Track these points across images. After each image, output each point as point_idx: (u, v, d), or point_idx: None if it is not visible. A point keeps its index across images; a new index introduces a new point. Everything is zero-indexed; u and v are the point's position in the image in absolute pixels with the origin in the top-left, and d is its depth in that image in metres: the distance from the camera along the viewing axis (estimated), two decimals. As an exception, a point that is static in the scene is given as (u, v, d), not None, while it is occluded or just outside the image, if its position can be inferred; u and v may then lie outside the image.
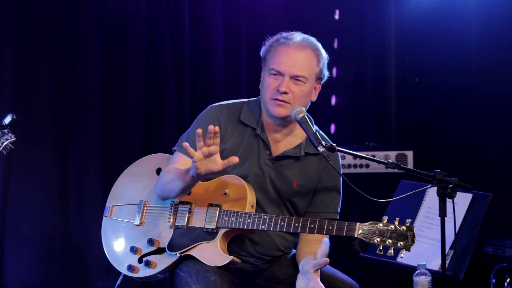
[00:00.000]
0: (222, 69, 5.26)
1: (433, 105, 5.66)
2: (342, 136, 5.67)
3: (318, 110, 5.54)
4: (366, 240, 3.03)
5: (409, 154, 5.11)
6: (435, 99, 5.65)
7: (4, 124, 3.20)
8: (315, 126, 3.22)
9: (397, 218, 3.02)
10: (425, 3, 5.59)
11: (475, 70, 5.49)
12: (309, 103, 3.36)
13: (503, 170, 5.31)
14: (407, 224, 3.01)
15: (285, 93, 3.21)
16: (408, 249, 2.99)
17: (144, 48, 4.98)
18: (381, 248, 3.01)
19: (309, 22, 5.51)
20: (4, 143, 3.22)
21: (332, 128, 5.72)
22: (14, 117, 3.18)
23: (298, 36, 3.30)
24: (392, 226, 3.01)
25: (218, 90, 5.20)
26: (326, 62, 3.32)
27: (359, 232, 3.04)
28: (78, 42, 4.77)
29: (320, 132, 3.22)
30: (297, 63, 3.23)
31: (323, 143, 3.10)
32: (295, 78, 3.23)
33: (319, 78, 3.32)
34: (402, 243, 2.99)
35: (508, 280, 4.63)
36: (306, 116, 3.17)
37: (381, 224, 3.03)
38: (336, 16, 5.76)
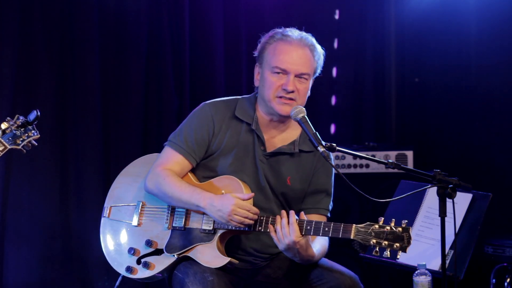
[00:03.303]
0: (222, 69, 5.26)
1: (433, 105, 5.66)
2: (342, 136, 5.67)
3: (318, 110, 5.55)
4: (362, 242, 3.01)
5: (409, 154, 5.11)
6: (435, 99, 5.64)
7: (29, 120, 3.16)
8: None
9: (393, 219, 3.01)
10: (425, 3, 5.59)
11: (475, 70, 5.49)
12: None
13: (503, 170, 5.31)
14: (403, 225, 2.99)
15: (292, 91, 3.22)
16: (404, 251, 2.98)
17: (144, 48, 4.99)
18: (377, 249, 3.00)
19: (309, 22, 5.51)
20: (26, 140, 3.17)
21: (332, 128, 5.72)
22: (39, 113, 3.14)
23: (295, 33, 3.30)
24: (388, 228, 2.99)
25: (218, 90, 5.20)
26: (322, 57, 3.33)
27: (355, 234, 3.03)
28: (78, 42, 4.77)
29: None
30: (300, 61, 3.25)
31: (323, 143, 3.10)
32: (299, 76, 3.24)
33: (315, 73, 3.34)
34: (398, 244, 2.98)
35: (508, 280, 4.63)
36: (306, 116, 3.17)
37: (377, 226, 3.01)
38: (336, 16, 5.76)
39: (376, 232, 3.00)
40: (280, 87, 3.23)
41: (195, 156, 3.34)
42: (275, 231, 3.11)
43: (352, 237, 3.03)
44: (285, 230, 3.08)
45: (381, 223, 3.01)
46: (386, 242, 2.99)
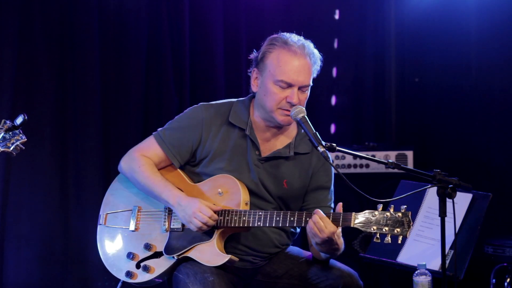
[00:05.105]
0: (222, 69, 5.26)
1: (433, 105, 5.66)
2: (342, 136, 5.67)
3: (318, 110, 5.55)
4: (363, 229, 3.02)
5: (409, 154, 5.11)
6: (435, 99, 5.65)
7: (16, 124, 3.19)
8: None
9: (392, 205, 3.02)
10: (425, 3, 5.59)
11: (475, 70, 5.49)
12: None
13: (503, 170, 5.31)
14: (403, 211, 3.00)
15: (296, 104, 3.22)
16: (405, 235, 2.98)
17: (144, 48, 4.98)
18: (378, 236, 3.00)
19: (309, 22, 5.51)
20: (15, 144, 3.22)
21: (332, 128, 5.72)
22: (26, 117, 3.17)
23: (295, 38, 3.28)
24: (388, 214, 3.01)
25: (218, 90, 5.21)
26: (319, 61, 3.32)
27: (355, 222, 3.03)
28: (78, 42, 4.77)
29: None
30: (304, 73, 3.23)
31: (323, 143, 3.10)
32: (302, 87, 3.24)
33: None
34: (398, 229, 2.98)
35: (508, 280, 4.63)
36: (306, 116, 3.17)
37: (376, 212, 3.02)
38: (336, 16, 5.76)
39: (376, 219, 3.01)
40: (284, 99, 3.22)
41: (177, 156, 3.35)
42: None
43: (352, 225, 3.04)
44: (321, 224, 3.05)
45: (380, 209, 3.02)
46: (386, 228, 2.99)
